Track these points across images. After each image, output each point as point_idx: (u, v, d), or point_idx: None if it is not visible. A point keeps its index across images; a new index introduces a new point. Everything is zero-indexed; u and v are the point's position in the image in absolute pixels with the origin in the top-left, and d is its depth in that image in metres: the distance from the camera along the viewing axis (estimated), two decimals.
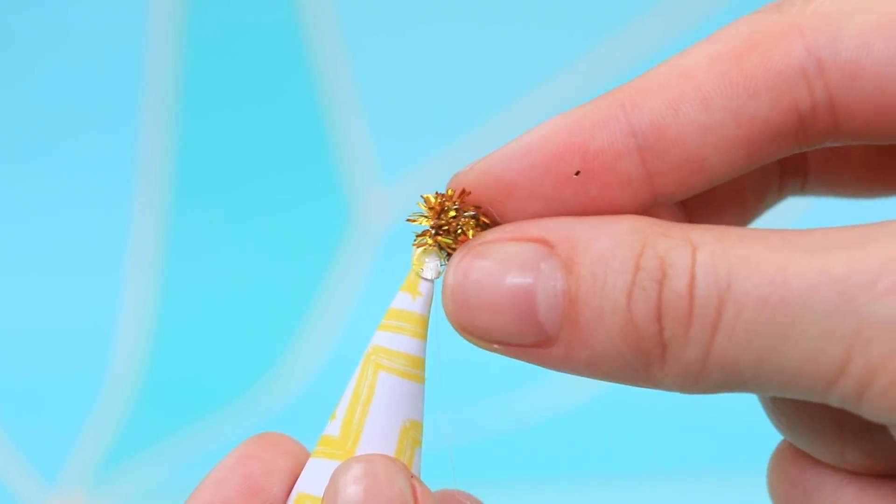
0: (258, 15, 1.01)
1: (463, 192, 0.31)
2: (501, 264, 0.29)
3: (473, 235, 0.31)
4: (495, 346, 0.29)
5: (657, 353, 0.28)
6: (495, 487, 0.84)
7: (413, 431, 0.32)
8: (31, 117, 1.02)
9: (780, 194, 0.35)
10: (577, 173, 0.29)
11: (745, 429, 0.88)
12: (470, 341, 0.30)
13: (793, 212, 0.97)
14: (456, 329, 0.30)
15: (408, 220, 0.32)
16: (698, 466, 0.86)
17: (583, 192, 0.29)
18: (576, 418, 0.91)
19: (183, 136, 1.02)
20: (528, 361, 0.29)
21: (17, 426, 0.93)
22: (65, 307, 1.00)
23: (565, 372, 0.29)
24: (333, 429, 0.32)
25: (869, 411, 0.27)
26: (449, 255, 0.31)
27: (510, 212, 0.30)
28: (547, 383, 0.94)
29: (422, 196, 0.32)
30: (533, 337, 0.29)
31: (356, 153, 1.01)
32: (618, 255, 0.28)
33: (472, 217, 0.31)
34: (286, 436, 0.33)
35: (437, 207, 0.31)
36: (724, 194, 0.34)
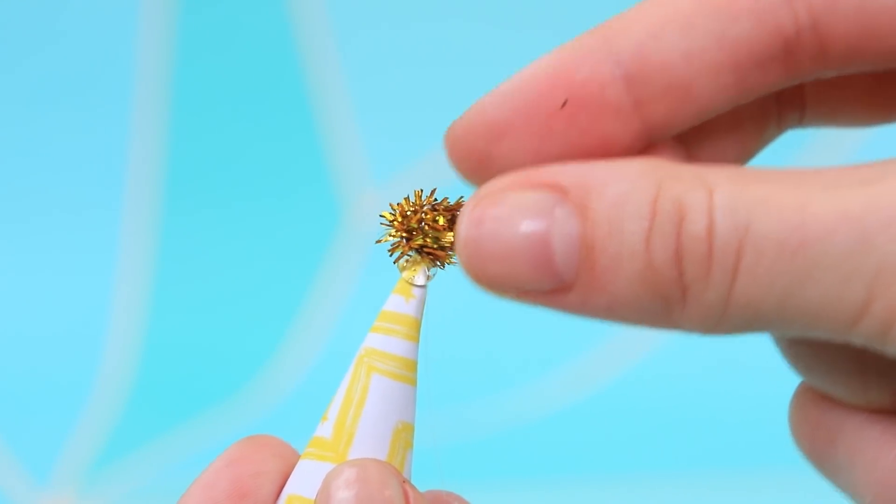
0: (249, 15, 1.01)
1: (420, 193, 0.31)
2: (515, 212, 0.28)
3: (444, 223, 0.31)
4: (511, 293, 0.29)
5: (677, 297, 0.28)
6: (483, 488, 0.84)
7: (405, 434, 0.32)
8: (22, 118, 1.02)
9: (780, 128, 0.34)
10: (565, 103, 0.29)
11: (738, 429, 0.88)
12: (485, 290, 0.29)
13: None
14: (471, 279, 0.29)
15: (377, 241, 0.32)
16: (689, 468, 0.86)
17: (574, 124, 0.29)
18: (566, 419, 0.91)
19: (174, 137, 1.02)
20: (545, 307, 0.29)
21: (8, 426, 0.93)
22: (56, 307, 1.00)
23: (582, 316, 0.29)
24: (325, 430, 0.32)
25: (894, 350, 0.27)
26: (430, 255, 0.31)
27: (506, 152, 0.30)
28: (538, 384, 0.94)
29: (381, 214, 0.32)
30: (550, 284, 0.28)
31: (347, 154, 1.01)
32: (633, 200, 0.28)
33: (432, 209, 0.31)
34: (275, 438, 0.34)
35: (399, 217, 0.32)
36: (722, 129, 0.33)
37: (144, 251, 1.01)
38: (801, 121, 0.34)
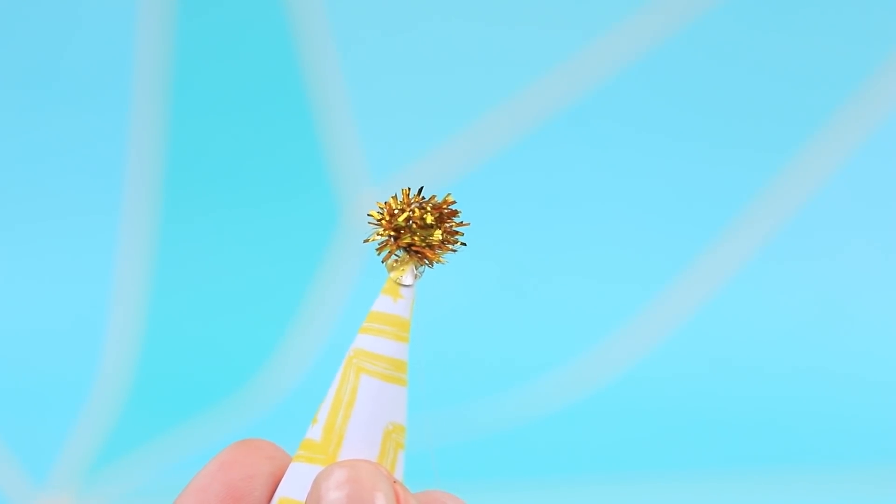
0: (248, 18, 1.01)
1: (407, 191, 0.31)
2: None
3: (431, 221, 0.31)
4: None
5: None
6: (483, 488, 0.84)
7: (396, 435, 0.32)
8: (21, 124, 1.02)
9: None
10: None
11: (738, 430, 0.88)
12: None
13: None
14: None
15: (365, 241, 0.32)
16: (689, 468, 0.86)
17: None
18: (566, 419, 0.91)
19: (173, 138, 1.02)
20: None
21: (7, 426, 0.93)
22: (55, 309, 1.00)
23: None
24: (315, 433, 0.32)
25: None
26: (418, 254, 0.31)
27: None
28: (538, 384, 0.94)
29: (368, 213, 0.32)
30: None
31: (345, 155, 1.01)
32: None
33: (420, 207, 0.31)
34: (268, 441, 0.34)
35: (387, 215, 0.31)
36: None
37: (143, 251, 1.01)
38: None
